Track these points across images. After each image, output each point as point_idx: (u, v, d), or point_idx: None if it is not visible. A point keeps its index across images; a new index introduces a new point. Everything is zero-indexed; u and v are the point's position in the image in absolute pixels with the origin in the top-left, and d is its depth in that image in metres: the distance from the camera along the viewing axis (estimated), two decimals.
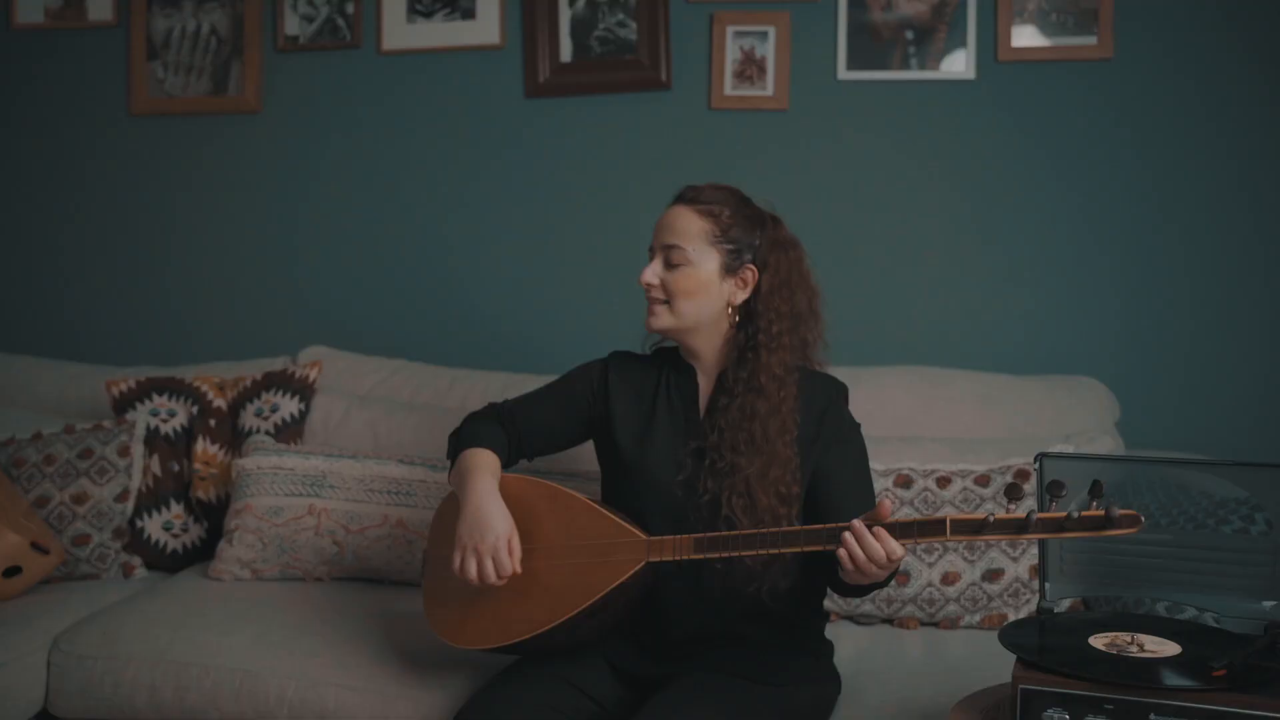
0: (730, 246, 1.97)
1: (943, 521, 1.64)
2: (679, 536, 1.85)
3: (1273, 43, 2.79)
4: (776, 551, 1.78)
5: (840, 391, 2.04)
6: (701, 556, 1.83)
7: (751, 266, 1.98)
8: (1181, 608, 1.97)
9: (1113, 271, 2.90)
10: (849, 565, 1.70)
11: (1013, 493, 1.60)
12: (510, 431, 2.12)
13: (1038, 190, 2.93)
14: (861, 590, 1.88)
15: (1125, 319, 2.90)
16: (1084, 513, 1.57)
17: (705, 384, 2.04)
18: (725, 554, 1.81)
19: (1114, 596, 2.08)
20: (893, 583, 2.35)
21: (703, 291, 1.96)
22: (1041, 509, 1.63)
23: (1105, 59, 2.86)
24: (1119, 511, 1.55)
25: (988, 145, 2.94)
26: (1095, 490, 1.57)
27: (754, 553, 1.79)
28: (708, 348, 2.02)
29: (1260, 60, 2.80)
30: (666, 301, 1.97)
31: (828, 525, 1.75)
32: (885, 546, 1.67)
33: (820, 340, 2.03)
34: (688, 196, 2.02)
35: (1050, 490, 1.59)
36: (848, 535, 1.69)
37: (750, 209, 2.02)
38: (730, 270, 1.98)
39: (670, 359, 2.09)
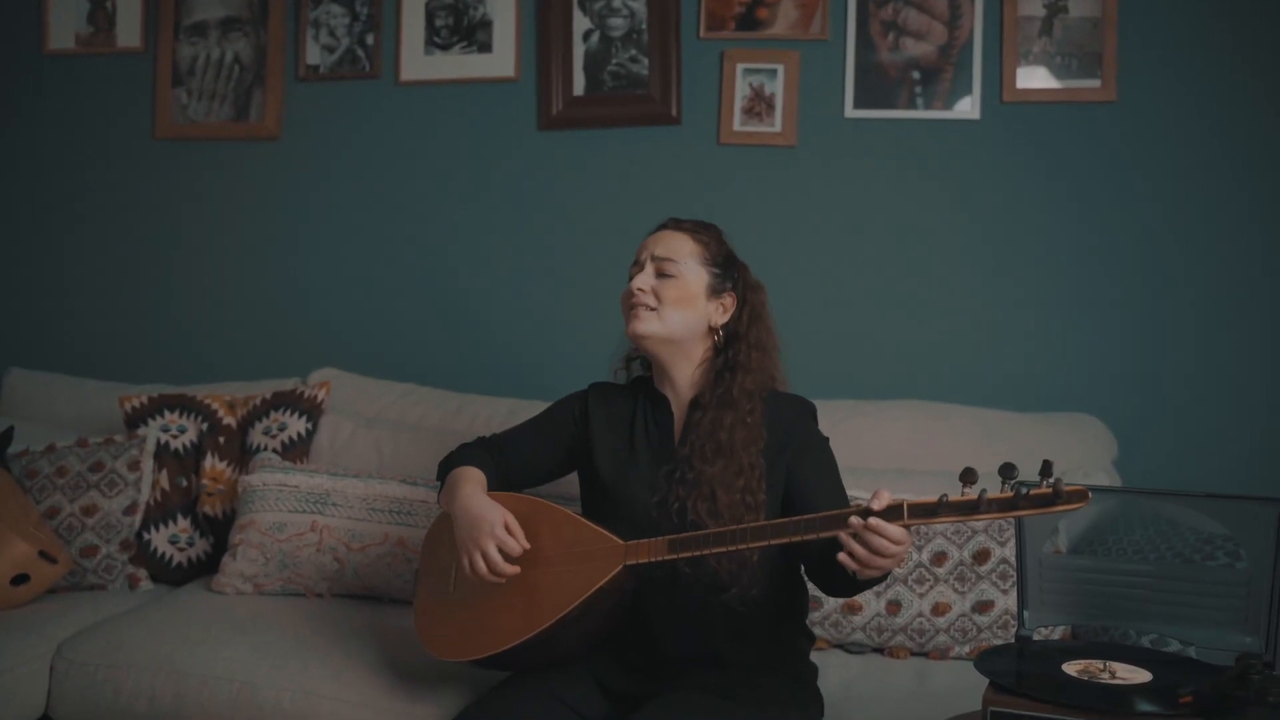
0: (716, 270, 2.07)
1: (900, 506, 1.64)
2: (654, 539, 1.88)
3: (1274, 87, 2.83)
4: (746, 547, 1.80)
5: (808, 408, 2.09)
6: (675, 557, 1.85)
7: (732, 293, 2.08)
8: (1166, 640, 1.99)
9: (1113, 310, 2.92)
10: (854, 566, 1.68)
11: (967, 476, 1.61)
12: (498, 460, 2.19)
13: (1040, 230, 2.96)
14: (859, 585, 1.82)
15: (1125, 357, 2.91)
16: (1033, 490, 1.57)
17: (679, 413, 2.09)
18: (699, 552, 1.83)
19: (1102, 627, 2.09)
20: (884, 612, 2.37)
21: (689, 304, 2.04)
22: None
23: (1109, 101, 2.90)
24: (1066, 487, 1.55)
25: (991, 184, 2.98)
26: (1045, 469, 1.58)
27: (725, 549, 1.81)
28: (683, 371, 2.07)
29: (1262, 105, 2.83)
30: (655, 309, 2.03)
31: (823, 513, 1.73)
32: (887, 534, 1.65)
33: (783, 378, 2.10)
34: (678, 222, 2.12)
35: (1002, 473, 1.60)
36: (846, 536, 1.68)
37: (729, 246, 2.13)
38: (715, 292, 2.06)
39: (645, 389, 2.15)
